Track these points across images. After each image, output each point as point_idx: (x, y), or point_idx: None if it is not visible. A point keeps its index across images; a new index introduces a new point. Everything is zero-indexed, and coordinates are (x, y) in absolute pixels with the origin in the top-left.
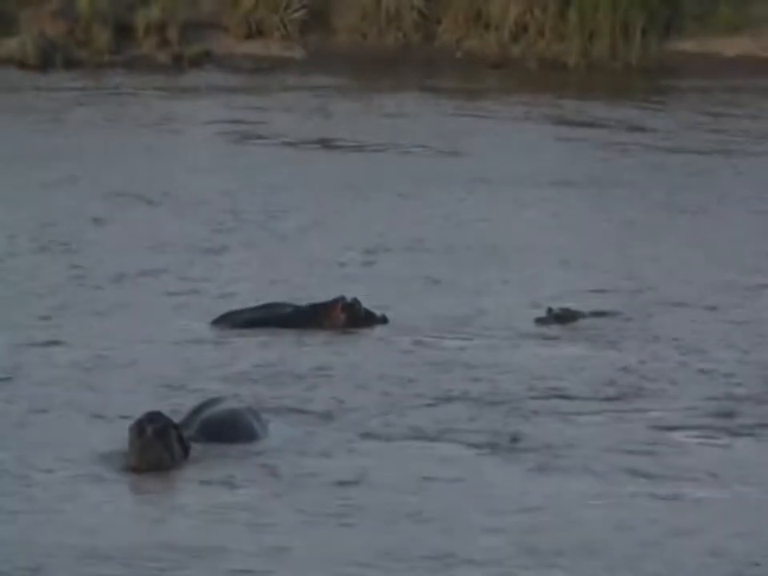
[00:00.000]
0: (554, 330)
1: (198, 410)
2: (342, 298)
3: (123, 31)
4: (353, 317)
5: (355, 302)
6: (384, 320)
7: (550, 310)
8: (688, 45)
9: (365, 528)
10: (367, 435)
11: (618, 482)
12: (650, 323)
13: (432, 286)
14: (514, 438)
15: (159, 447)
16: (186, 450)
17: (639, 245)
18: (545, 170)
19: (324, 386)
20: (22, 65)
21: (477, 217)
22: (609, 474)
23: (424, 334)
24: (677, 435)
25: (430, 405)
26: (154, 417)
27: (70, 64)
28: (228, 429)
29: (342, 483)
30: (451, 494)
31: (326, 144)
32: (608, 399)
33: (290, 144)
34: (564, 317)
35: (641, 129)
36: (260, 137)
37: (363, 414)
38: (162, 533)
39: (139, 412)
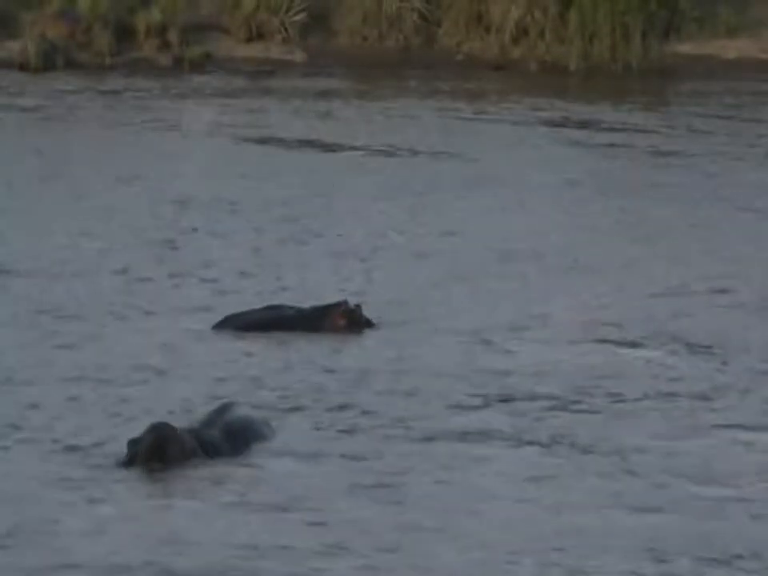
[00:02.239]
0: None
1: (212, 417)
2: (345, 302)
3: (124, 33)
4: (353, 321)
5: (357, 307)
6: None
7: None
8: (688, 47)
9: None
10: (406, 438)
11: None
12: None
13: (480, 289)
14: None
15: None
16: (186, 455)
17: (672, 247)
18: (553, 173)
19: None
20: (24, 67)
21: (504, 219)
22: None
23: (478, 336)
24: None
25: (471, 407)
26: (154, 433)
27: (71, 66)
28: (245, 437)
29: (385, 484)
30: (531, 499)
31: (331, 148)
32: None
33: (294, 148)
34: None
35: (641, 131)
36: (265, 140)
37: (388, 416)
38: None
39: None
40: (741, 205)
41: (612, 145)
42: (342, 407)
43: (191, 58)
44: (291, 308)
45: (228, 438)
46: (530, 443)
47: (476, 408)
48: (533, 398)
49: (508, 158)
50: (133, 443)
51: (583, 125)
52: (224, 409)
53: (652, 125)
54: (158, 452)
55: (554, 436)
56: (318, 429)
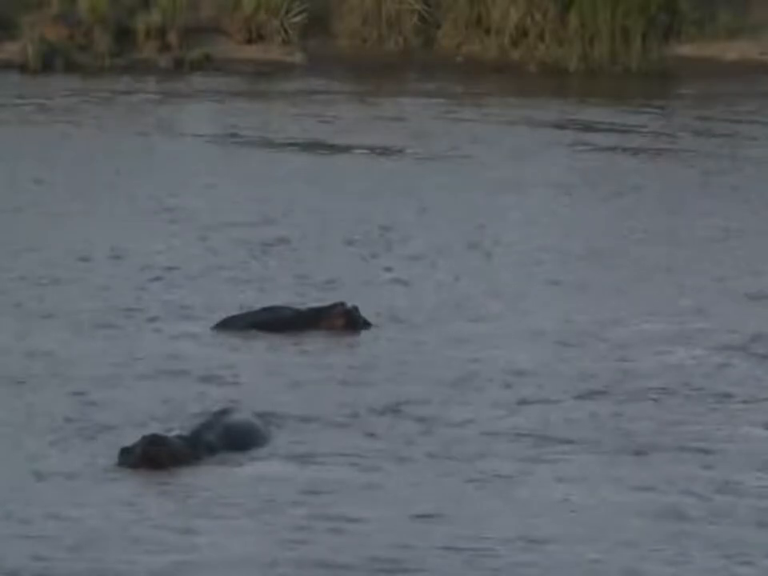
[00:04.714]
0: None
1: (212, 420)
2: (342, 304)
3: (124, 35)
4: (350, 322)
5: (354, 309)
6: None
7: None
8: (687, 49)
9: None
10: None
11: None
12: None
13: (538, 291)
14: None
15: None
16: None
17: (713, 250)
18: (557, 175)
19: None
20: (23, 69)
21: (529, 221)
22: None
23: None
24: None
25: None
26: (145, 444)
27: (71, 68)
28: (247, 438)
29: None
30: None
31: (331, 149)
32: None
33: (295, 150)
34: None
35: (641, 133)
36: (265, 142)
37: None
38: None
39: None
40: (756, 205)
41: (611, 146)
42: (354, 407)
43: (191, 60)
44: (289, 309)
45: (227, 441)
46: (609, 442)
47: (542, 407)
48: (608, 397)
49: (510, 159)
50: (124, 452)
51: (583, 127)
52: (224, 412)
53: (651, 126)
54: (147, 463)
55: (631, 435)
56: (319, 430)
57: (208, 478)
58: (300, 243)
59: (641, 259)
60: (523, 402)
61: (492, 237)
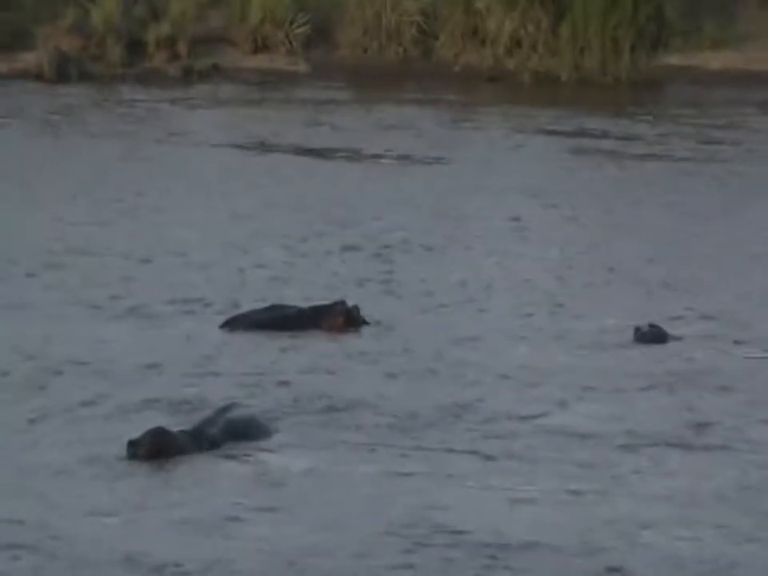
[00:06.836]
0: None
1: (214, 416)
2: (343, 303)
3: (135, 46)
4: (351, 321)
5: (354, 308)
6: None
7: (637, 329)
8: (674, 59)
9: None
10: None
11: None
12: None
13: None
14: None
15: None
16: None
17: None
18: (558, 181)
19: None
20: (39, 78)
21: (549, 225)
22: None
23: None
24: None
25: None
26: (151, 436)
27: (85, 77)
28: (248, 431)
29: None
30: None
31: (333, 155)
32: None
33: (300, 155)
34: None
35: (630, 139)
36: (272, 148)
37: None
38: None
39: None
40: (725, 208)
41: (602, 153)
42: (352, 404)
43: (199, 69)
44: (292, 307)
45: (229, 436)
46: (675, 435)
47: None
48: (670, 393)
49: (516, 164)
50: (132, 444)
51: (574, 134)
52: (227, 409)
53: (640, 133)
54: (156, 455)
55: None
56: (318, 426)
57: (270, 471)
58: (350, 249)
59: (680, 260)
60: (577, 398)
61: (526, 240)
